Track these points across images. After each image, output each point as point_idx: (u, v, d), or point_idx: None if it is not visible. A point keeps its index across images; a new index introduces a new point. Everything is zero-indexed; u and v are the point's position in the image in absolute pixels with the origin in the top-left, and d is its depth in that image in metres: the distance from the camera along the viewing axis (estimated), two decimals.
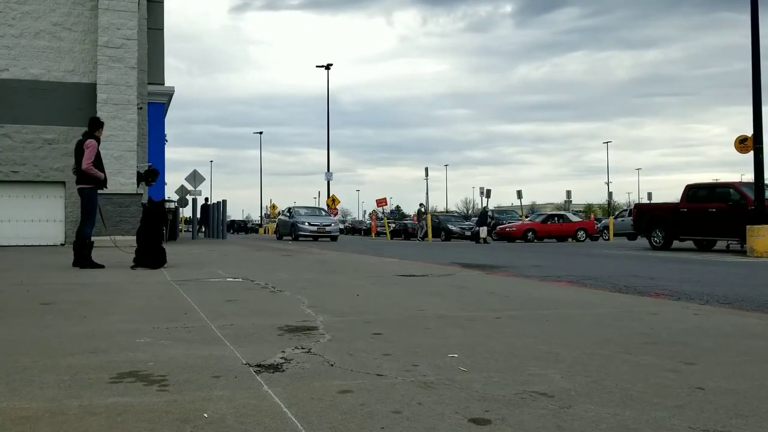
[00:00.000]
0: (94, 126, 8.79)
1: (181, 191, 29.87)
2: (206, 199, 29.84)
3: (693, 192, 17.81)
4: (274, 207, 71.16)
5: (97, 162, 8.62)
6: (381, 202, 46.63)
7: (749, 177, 17.93)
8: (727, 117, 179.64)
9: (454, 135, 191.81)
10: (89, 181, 8.60)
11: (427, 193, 52.86)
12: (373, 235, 43.18)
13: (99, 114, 16.22)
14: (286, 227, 30.12)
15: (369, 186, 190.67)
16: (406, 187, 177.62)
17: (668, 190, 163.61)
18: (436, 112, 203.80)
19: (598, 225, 32.10)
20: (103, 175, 8.66)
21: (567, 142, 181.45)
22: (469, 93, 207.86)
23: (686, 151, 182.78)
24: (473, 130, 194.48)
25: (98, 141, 8.72)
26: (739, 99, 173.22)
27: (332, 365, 2.82)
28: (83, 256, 8.43)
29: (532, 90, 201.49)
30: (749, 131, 15.22)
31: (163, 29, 24.04)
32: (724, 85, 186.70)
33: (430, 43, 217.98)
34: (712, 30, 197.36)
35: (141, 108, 18.79)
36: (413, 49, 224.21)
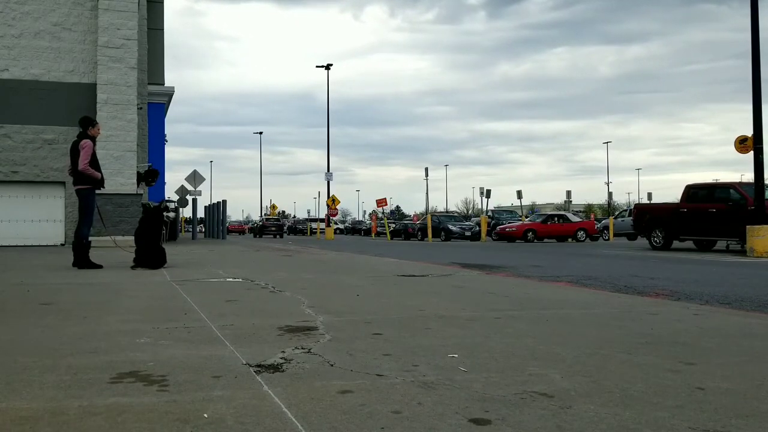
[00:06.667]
0: (87, 124, 8.67)
1: (181, 191, 29.90)
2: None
3: (693, 192, 17.81)
4: (274, 207, 71.13)
5: (93, 162, 8.53)
6: (381, 202, 46.70)
7: (748, 177, 17.94)
8: (716, 115, 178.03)
9: (441, 133, 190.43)
10: (86, 182, 8.54)
11: (427, 193, 53.17)
12: (373, 235, 43.20)
13: (99, 114, 16.24)
14: None
15: (365, 185, 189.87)
16: (405, 187, 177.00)
17: (665, 191, 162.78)
18: (419, 110, 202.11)
19: (598, 225, 32.08)
20: (99, 174, 8.60)
21: (556, 140, 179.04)
22: (451, 90, 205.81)
23: (679, 150, 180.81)
24: (460, 129, 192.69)
25: (93, 140, 8.63)
26: (728, 96, 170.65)
27: (332, 365, 2.81)
28: (82, 257, 8.42)
29: (515, 87, 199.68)
30: (741, 130, 15.29)
31: (163, 29, 24.08)
32: (710, 82, 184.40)
33: (404, 38, 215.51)
34: (694, 24, 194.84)
35: (141, 108, 18.80)
36: (388, 44, 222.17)
